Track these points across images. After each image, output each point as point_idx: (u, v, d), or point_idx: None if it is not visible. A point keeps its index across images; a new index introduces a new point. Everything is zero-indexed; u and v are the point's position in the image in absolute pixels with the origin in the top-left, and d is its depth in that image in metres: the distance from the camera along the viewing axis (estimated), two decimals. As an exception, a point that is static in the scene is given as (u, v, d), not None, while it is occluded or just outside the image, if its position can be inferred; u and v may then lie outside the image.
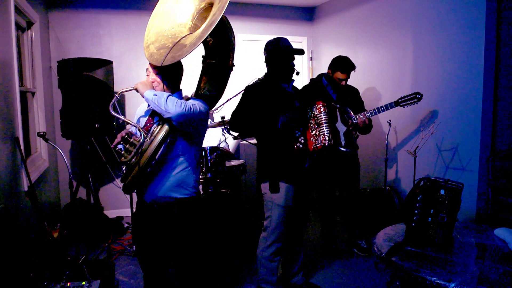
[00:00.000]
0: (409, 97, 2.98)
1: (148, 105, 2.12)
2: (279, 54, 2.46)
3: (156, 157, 1.98)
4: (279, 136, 2.42)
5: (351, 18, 4.47)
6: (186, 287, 2.18)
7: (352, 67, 3.21)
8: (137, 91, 2.00)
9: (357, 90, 3.42)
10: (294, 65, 2.50)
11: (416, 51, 3.53)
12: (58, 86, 3.50)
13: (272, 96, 2.45)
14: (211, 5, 2.03)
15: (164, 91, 2.04)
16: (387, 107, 3.02)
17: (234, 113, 2.50)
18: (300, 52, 2.47)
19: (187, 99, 2.08)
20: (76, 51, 4.20)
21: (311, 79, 3.52)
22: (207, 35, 1.77)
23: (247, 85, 2.55)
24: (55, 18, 4.17)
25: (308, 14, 5.28)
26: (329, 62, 3.29)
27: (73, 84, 3.37)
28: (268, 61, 2.54)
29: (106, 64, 3.60)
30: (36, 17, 3.57)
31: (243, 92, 2.53)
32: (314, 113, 2.43)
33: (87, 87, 3.39)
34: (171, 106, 1.87)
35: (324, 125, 2.38)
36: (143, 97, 1.98)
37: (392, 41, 3.83)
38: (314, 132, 2.41)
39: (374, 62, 4.10)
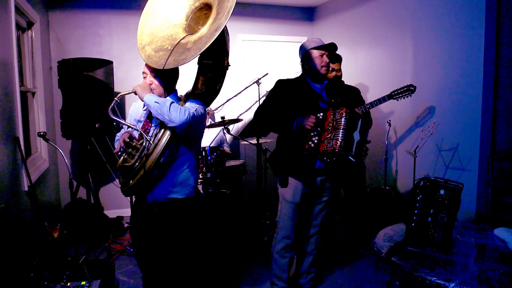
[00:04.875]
0: (402, 90, 2.98)
1: (144, 107, 2.13)
2: (311, 57, 2.48)
3: (161, 160, 1.98)
4: (293, 134, 2.44)
5: (351, 18, 4.47)
6: (185, 287, 2.19)
7: (339, 57, 3.29)
8: (136, 94, 2.00)
9: (357, 90, 3.42)
10: (329, 62, 2.51)
11: (416, 51, 3.53)
12: (58, 86, 3.50)
13: (297, 95, 2.47)
14: (206, 5, 2.02)
15: (162, 92, 2.06)
16: (380, 101, 3.04)
17: (259, 109, 2.56)
18: (331, 46, 2.47)
19: (185, 99, 2.08)
20: (76, 51, 4.20)
21: None
22: (213, 40, 1.76)
23: (278, 79, 2.58)
24: (55, 18, 4.17)
25: (308, 14, 5.28)
26: None
27: (73, 84, 3.37)
28: (302, 62, 2.57)
29: (106, 64, 3.60)
30: (37, 17, 3.57)
31: (274, 85, 2.58)
32: (335, 117, 2.38)
33: (87, 87, 3.39)
34: (175, 115, 1.86)
35: (340, 130, 2.32)
36: (143, 101, 1.98)
37: (392, 41, 3.83)
38: (329, 135, 2.36)
39: (374, 62, 4.11)
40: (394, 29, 3.79)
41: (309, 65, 2.50)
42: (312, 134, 2.41)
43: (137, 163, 1.92)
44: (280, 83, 2.55)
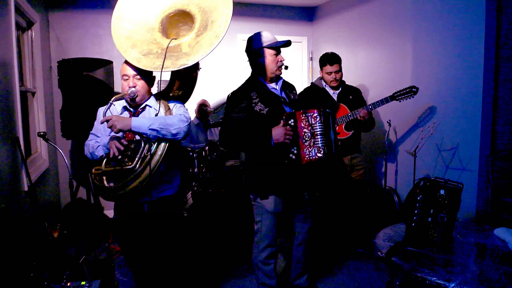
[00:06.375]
0: (404, 91, 2.99)
1: (122, 111, 2.12)
2: (264, 54, 2.31)
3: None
4: (270, 150, 2.27)
5: (351, 18, 4.47)
6: (181, 286, 2.20)
7: (338, 58, 3.27)
8: (118, 129, 1.92)
9: (358, 90, 3.43)
10: (283, 60, 2.37)
11: (416, 51, 3.53)
12: (58, 86, 3.50)
13: (259, 104, 2.29)
14: (182, 11, 2.08)
15: (146, 92, 2.09)
16: (383, 102, 3.05)
17: (222, 131, 2.35)
18: (287, 44, 2.34)
19: (167, 101, 2.14)
20: (76, 51, 4.19)
21: (312, 83, 3.54)
22: (217, 45, 1.87)
23: (231, 92, 2.38)
24: (55, 18, 4.17)
25: (308, 14, 5.28)
26: None
27: (73, 84, 3.37)
28: (252, 61, 2.39)
29: (106, 64, 3.60)
30: (37, 17, 3.57)
31: (226, 101, 2.37)
32: (309, 122, 2.22)
33: (87, 87, 3.39)
34: (179, 130, 1.96)
35: (319, 136, 2.19)
36: (132, 131, 1.93)
37: (392, 41, 3.83)
38: (307, 143, 2.21)
39: (374, 62, 4.10)
40: (394, 29, 3.79)
41: (261, 63, 2.32)
42: (289, 144, 2.25)
43: (137, 165, 1.92)
44: (235, 96, 2.33)
